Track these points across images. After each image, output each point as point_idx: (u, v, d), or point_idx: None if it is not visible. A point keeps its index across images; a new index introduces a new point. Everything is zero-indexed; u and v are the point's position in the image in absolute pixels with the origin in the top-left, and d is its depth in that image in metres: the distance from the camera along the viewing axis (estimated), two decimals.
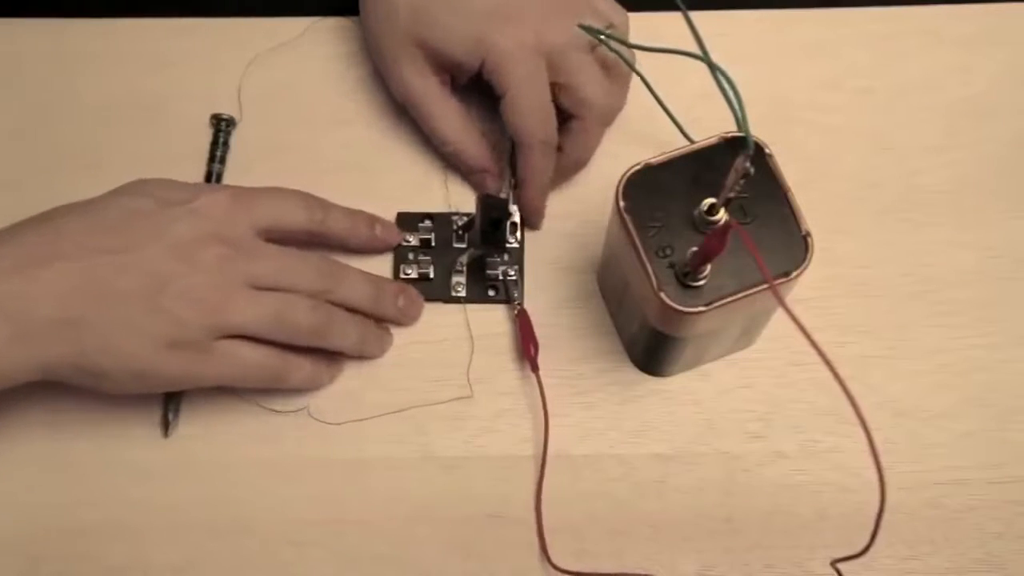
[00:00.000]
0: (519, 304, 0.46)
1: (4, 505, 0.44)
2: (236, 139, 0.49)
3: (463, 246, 0.48)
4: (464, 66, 0.46)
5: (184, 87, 0.50)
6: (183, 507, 0.44)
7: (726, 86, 0.30)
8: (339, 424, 0.45)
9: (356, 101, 0.51)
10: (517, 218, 0.48)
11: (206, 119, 0.49)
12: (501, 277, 0.47)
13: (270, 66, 0.51)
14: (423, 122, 0.48)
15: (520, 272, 0.47)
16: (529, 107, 0.45)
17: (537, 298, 0.47)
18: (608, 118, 0.47)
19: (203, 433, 0.45)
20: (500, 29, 0.44)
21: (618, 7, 0.47)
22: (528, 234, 0.48)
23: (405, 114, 0.49)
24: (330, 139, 0.50)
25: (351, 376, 0.46)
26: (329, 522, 0.44)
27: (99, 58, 0.51)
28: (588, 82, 0.45)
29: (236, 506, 0.44)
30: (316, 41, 0.52)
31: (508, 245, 0.47)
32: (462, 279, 0.47)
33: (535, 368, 0.45)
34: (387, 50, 0.47)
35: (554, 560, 0.43)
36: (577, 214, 0.49)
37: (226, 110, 0.49)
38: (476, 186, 0.49)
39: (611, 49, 0.42)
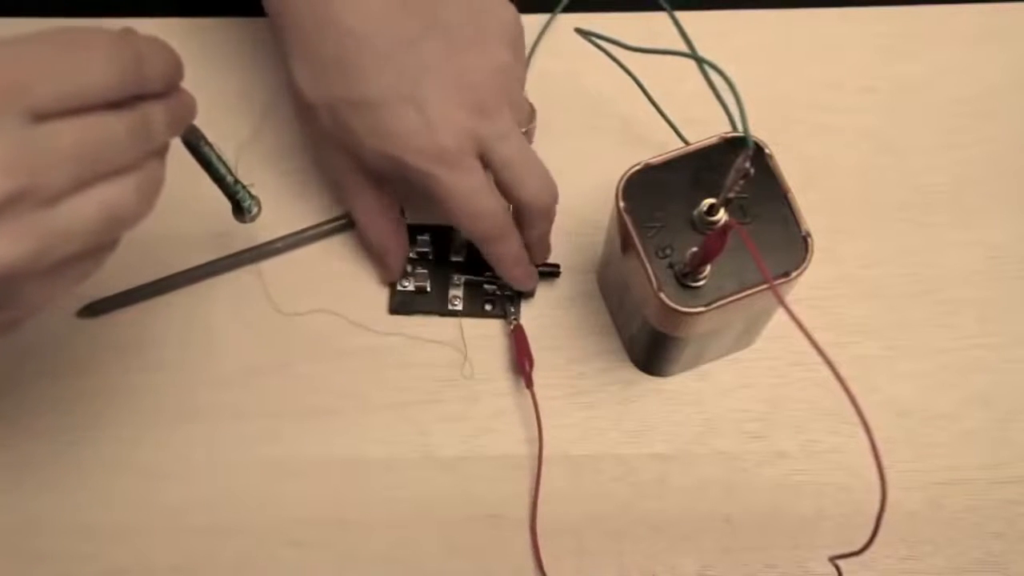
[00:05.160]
0: (515, 319, 0.46)
1: (4, 505, 0.44)
2: (238, 145, 0.49)
3: (460, 259, 0.48)
4: (389, 177, 0.44)
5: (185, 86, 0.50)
6: (183, 507, 0.44)
7: (721, 82, 0.30)
8: (339, 423, 0.45)
9: None
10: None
11: (208, 118, 0.49)
12: (498, 292, 0.47)
13: (274, 69, 0.51)
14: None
15: (517, 289, 0.47)
16: (470, 215, 0.41)
17: (537, 298, 0.47)
18: (550, 214, 0.44)
19: (203, 433, 0.45)
20: (420, 150, 0.40)
21: (526, 99, 0.45)
22: None
23: None
24: None
25: (352, 376, 0.46)
26: (329, 522, 0.44)
27: None
28: (525, 178, 0.42)
29: (236, 506, 0.44)
30: None
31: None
32: (459, 293, 0.47)
33: (529, 384, 0.45)
34: (309, 134, 0.45)
35: (554, 560, 0.43)
36: (577, 214, 0.49)
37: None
38: (377, 263, 0.47)
39: (606, 52, 0.42)
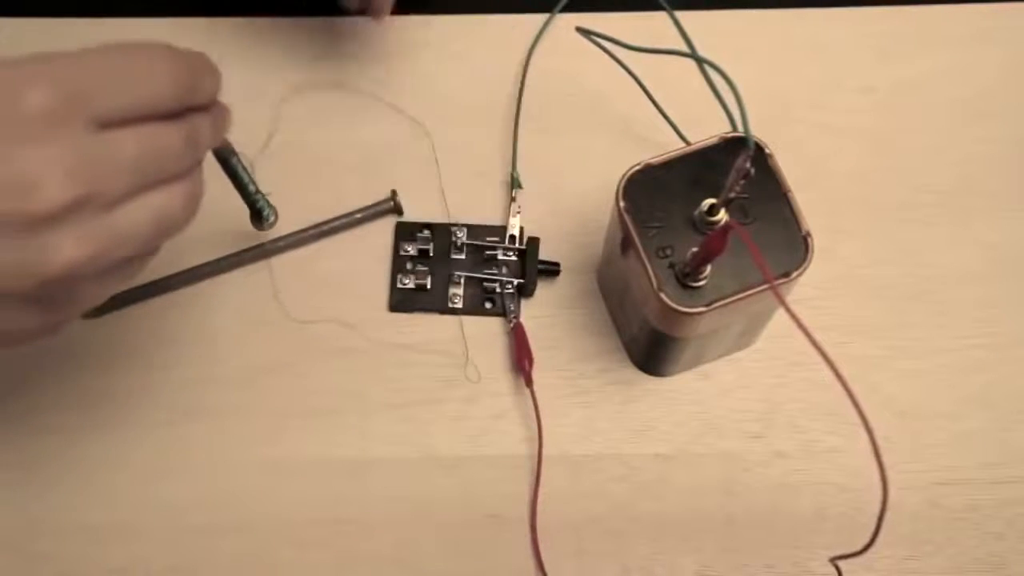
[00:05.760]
0: (515, 318, 0.46)
1: (4, 504, 0.44)
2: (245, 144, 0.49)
3: (461, 257, 0.48)
4: None
5: None
6: (183, 507, 0.44)
7: (721, 82, 0.30)
8: (339, 423, 0.45)
9: (357, 109, 0.51)
10: (516, 230, 0.48)
11: None
12: (498, 290, 0.47)
13: (283, 67, 0.51)
14: None
15: (518, 286, 0.47)
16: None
17: (537, 298, 0.47)
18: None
19: (203, 433, 0.45)
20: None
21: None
22: (528, 235, 0.48)
23: (404, 122, 0.49)
24: (330, 145, 0.50)
25: (352, 375, 0.46)
26: (329, 522, 0.44)
27: None
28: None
29: (236, 506, 0.44)
30: (311, 44, 0.52)
31: (506, 259, 0.47)
32: (459, 291, 0.47)
33: (529, 383, 0.45)
34: None
35: (554, 560, 0.43)
36: (577, 214, 0.49)
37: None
38: None
39: (607, 52, 0.42)
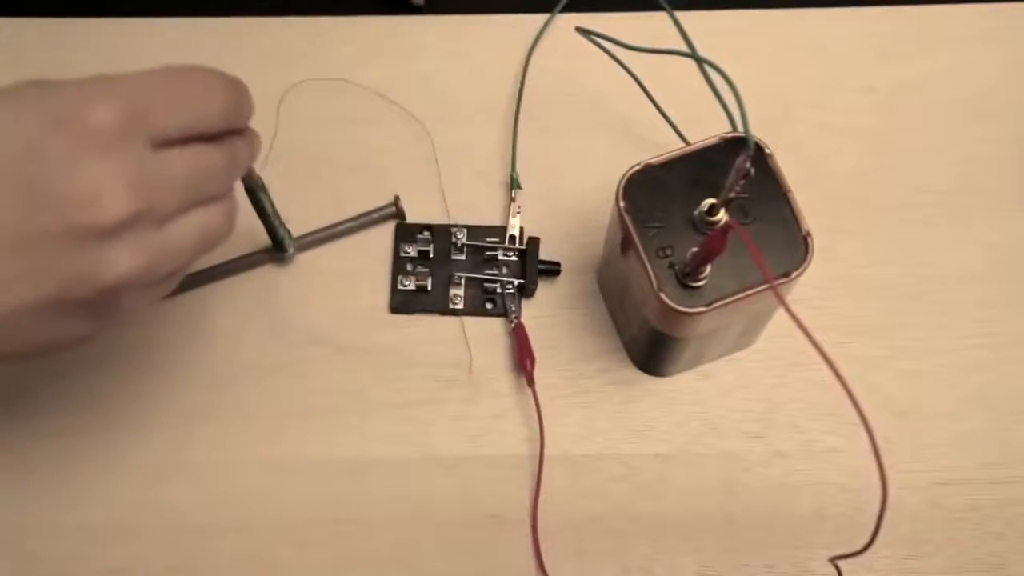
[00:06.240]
0: (516, 318, 0.46)
1: (4, 504, 0.44)
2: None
3: (461, 258, 0.48)
4: None
5: None
6: (183, 507, 0.44)
7: (721, 82, 0.30)
8: (339, 423, 0.45)
9: (357, 109, 0.51)
10: (516, 230, 0.48)
11: None
12: (499, 291, 0.47)
13: (287, 68, 0.51)
14: None
15: (518, 286, 0.47)
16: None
17: (537, 298, 0.47)
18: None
19: (203, 433, 0.45)
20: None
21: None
22: (528, 235, 0.48)
23: (404, 123, 0.49)
24: (330, 146, 0.50)
25: (352, 376, 0.46)
26: (329, 522, 0.44)
27: (102, 57, 0.51)
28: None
29: (236, 506, 0.44)
30: (313, 46, 0.52)
31: (506, 259, 0.48)
32: (460, 291, 0.47)
33: (531, 383, 0.45)
34: None
35: (554, 560, 0.43)
36: (577, 214, 0.49)
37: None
38: None
39: (607, 52, 0.42)
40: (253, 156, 0.36)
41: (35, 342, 0.31)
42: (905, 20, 0.53)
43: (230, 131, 0.33)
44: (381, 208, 0.48)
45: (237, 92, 0.33)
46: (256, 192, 0.41)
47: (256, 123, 0.50)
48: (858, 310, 0.47)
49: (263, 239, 0.46)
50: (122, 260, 0.30)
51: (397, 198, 0.48)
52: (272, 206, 0.43)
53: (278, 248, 0.45)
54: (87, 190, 0.29)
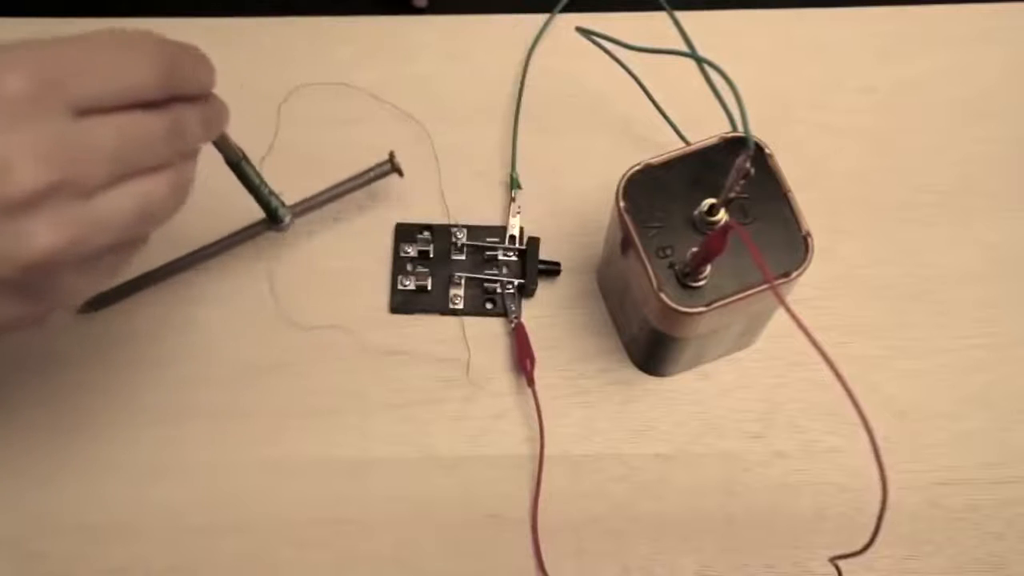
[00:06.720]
0: (516, 318, 0.46)
1: (4, 504, 0.44)
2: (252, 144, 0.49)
3: (461, 258, 0.48)
4: None
5: None
6: (183, 507, 0.44)
7: (721, 82, 0.30)
8: (339, 423, 0.45)
9: (357, 109, 0.51)
10: (516, 230, 0.48)
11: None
12: (499, 291, 0.47)
13: (285, 67, 0.51)
14: None
15: (518, 286, 0.47)
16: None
17: (537, 298, 0.47)
18: None
19: (203, 433, 0.45)
20: None
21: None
22: (528, 235, 0.48)
23: (404, 123, 0.49)
24: (330, 146, 0.50)
25: (352, 375, 0.46)
26: (329, 522, 0.44)
27: None
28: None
29: (236, 506, 0.44)
30: (313, 45, 0.52)
31: (506, 259, 0.48)
32: (460, 291, 0.47)
33: (531, 382, 0.45)
34: None
35: (554, 560, 0.43)
36: (577, 214, 0.49)
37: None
38: None
39: (607, 52, 0.42)
40: (212, 126, 0.34)
41: None
42: (905, 20, 0.53)
43: (177, 98, 0.31)
44: (377, 165, 0.47)
45: (171, 56, 0.31)
46: (239, 165, 0.40)
47: (256, 123, 0.50)
48: (858, 310, 0.47)
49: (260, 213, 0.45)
50: (41, 234, 0.28)
51: (392, 154, 0.46)
52: (259, 177, 0.41)
53: (273, 219, 0.44)
54: None
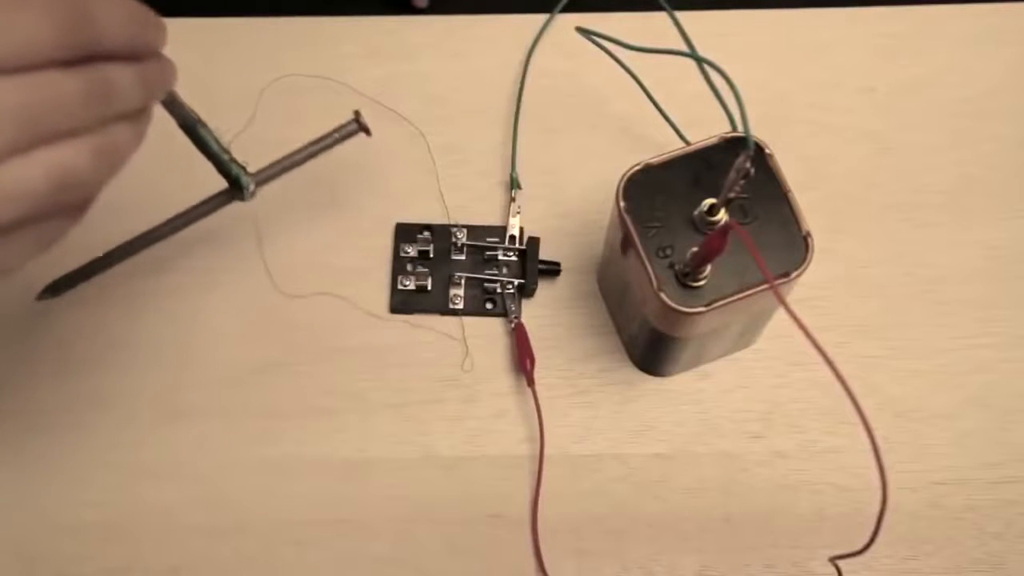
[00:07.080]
0: (516, 318, 0.46)
1: (3, 505, 0.44)
2: (235, 138, 0.49)
3: (461, 258, 0.48)
4: None
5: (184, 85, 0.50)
6: (182, 507, 0.44)
7: (721, 82, 0.30)
8: (339, 423, 0.45)
9: (358, 108, 0.51)
10: (516, 230, 0.48)
11: (207, 116, 0.49)
12: (499, 291, 0.47)
13: (266, 64, 0.51)
14: None
15: (518, 286, 0.47)
16: None
17: (537, 298, 0.47)
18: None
19: (203, 433, 0.45)
20: None
21: None
22: (528, 235, 0.48)
23: (403, 123, 0.49)
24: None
25: (352, 376, 0.46)
26: (329, 522, 0.44)
27: None
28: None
29: (236, 506, 0.44)
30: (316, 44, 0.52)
31: (506, 259, 0.48)
32: (460, 291, 0.47)
33: (531, 382, 0.45)
34: None
35: (554, 560, 0.43)
36: (577, 214, 0.49)
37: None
38: None
39: (607, 52, 0.42)
40: (153, 84, 0.31)
41: None
42: (905, 20, 0.53)
43: (101, 56, 0.28)
44: (342, 126, 0.44)
45: (75, 10, 0.27)
46: (194, 129, 0.37)
47: (256, 124, 0.50)
48: (858, 310, 0.47)
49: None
50: None
51: (357, 112, 0.44)
52: (217, 143, 0.39)
53: (236, 188, 0.40)
54: None
